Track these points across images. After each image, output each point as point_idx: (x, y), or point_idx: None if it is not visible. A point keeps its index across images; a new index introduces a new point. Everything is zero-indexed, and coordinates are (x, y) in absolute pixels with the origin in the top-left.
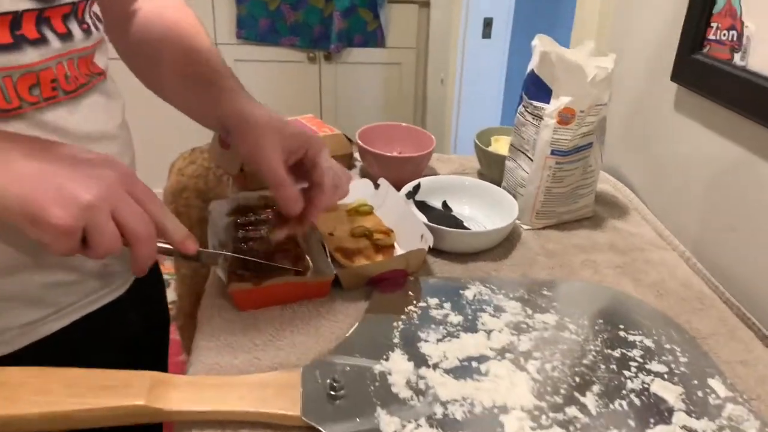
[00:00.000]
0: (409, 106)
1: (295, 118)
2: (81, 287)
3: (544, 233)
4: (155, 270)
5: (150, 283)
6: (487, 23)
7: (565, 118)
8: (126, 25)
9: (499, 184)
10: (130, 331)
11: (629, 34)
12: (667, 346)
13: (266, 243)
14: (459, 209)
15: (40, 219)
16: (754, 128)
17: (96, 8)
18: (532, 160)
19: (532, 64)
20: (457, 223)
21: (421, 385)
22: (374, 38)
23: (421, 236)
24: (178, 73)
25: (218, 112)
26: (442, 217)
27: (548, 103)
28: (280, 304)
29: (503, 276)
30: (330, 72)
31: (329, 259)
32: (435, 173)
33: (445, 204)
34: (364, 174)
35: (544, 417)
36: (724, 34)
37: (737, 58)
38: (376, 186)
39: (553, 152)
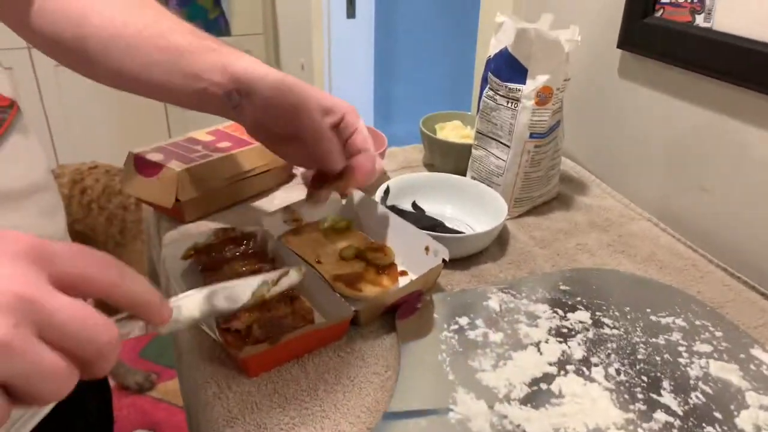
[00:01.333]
0: None
1: (216, 128)
2: None
3: (524, 221)
4: None
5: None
6: (350, 1)
7: (543, 98)
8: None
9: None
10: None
11: (562, 3)
12: (698, 323)
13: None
14: (438, 209)
15: None
16: (721, 88)
17: None
18: (507, 146)
19: (505, 43)
20: (439, 225)
21: (508, 426)
22: (217, 27)
23: (426, 248)
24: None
25: (225, 77)
26: (420, 220)
27: (524, 83)
28: (294, 359)
29: (512, 276)
30: None
31: (338, 294)
32: (383, 171)
33: (415, 205)
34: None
35: (640, 430)
36: None
37: (699, 20)
38: (342, 196)
39: (531, 135)
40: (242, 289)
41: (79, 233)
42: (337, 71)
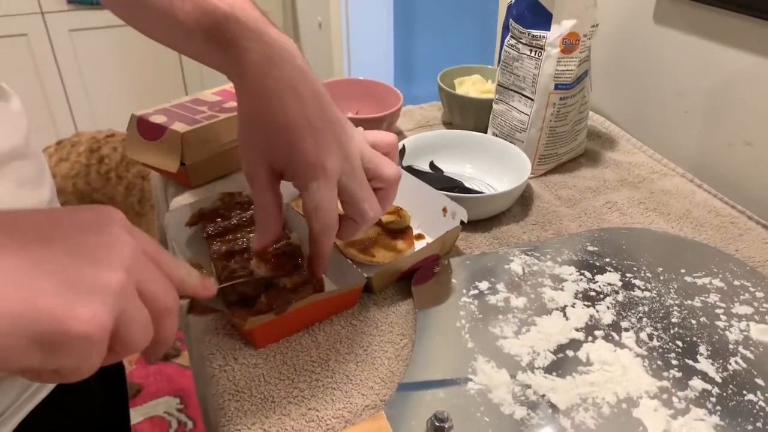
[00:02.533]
0: None
1: (222, 88)
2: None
3: (549, 180)
4: None
5: None
6: None
7: (569, 45)
8: None
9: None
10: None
11: None
12: (737, 283)
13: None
14: (458, 169)
15: (59, 336)
16: (765, 29)
17: None
18: (531, 99)
19: None
20: (458, 186)
21: (532, 396)
22: None
23: (443, 209)
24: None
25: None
26: (438, 180)
27: (548, 30)
28: (304, 329)
29: (536, 238)
30: None
31: (350, 260)
32: (399, 131)
33: (432, 165)
34: None
35: (675, 399)
36: None
37: None
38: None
39: (557, 87)
40: None
41: (98, 203)
42: (356, 29)
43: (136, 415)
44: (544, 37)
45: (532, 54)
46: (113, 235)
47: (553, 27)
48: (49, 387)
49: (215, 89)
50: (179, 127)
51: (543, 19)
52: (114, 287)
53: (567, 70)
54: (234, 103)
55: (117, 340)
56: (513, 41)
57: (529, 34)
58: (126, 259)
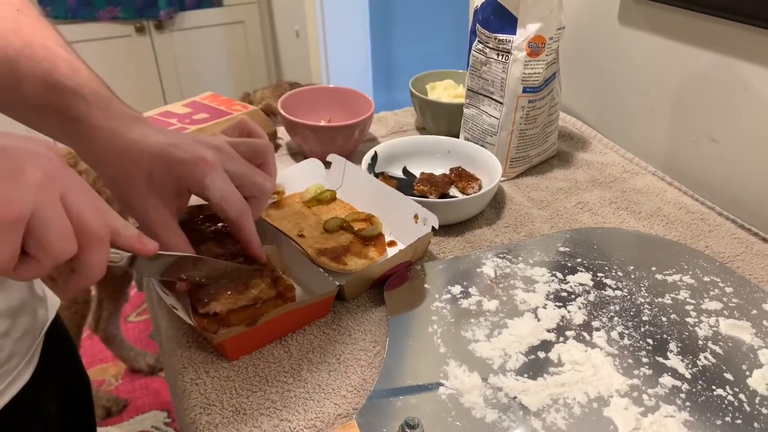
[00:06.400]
0: (261, 67)
1: (192, 100)
2: None
3: (521, 182)
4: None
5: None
6: None
7: (535, 48)
8: None
9: (450, 137)
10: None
11: None
12: (706, 279)
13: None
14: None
15: None
16: (725, 28)
17: None
18: (500, 103)
19: None
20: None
21: (503, 399)
22: None
23: (415, 216)
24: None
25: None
26: (410, 186)
27: (514, 33)
28: (276, 339)
29: (509, 241)
30: (164, 43)
31: (321, 269)
32: (373, 137)
33: (406, 171)
34: (292, 154)
35: (645, 397)
36: None
37: None
38: (326, 165)
39: (525, 90)
40: None
41: None
42: (332, 37)
43: (123, 430)
44: (510, 41)
45: (500, 58)
46: (44, 152)
47: (519, 31)
48: None
49: (185, 101)
50: None
51: (508, 23)
52: (32, 182)
53: (534, 73)
54: (205, 114)
55: (32, 237)
56: (480, 46)
57: (495, 39)
58: (51, 168)
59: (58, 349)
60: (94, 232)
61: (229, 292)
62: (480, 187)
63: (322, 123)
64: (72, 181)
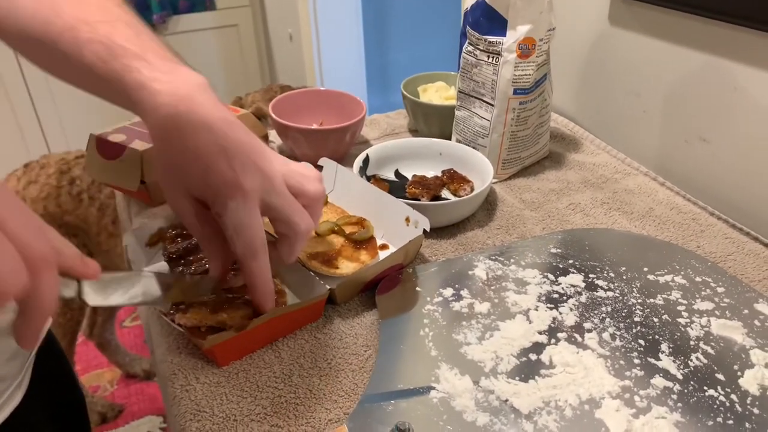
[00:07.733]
0: (255, 71)
1: None
2: None
3: (513, 183)
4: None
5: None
6: None
7: (526, 50)
8: None
9: (442, 139)
10: None
11: None
12: (698, 279)
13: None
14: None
15: None
16: (715, 28)
17: None
18: (491, 105)
19: None
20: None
21: (494, 402)
22: (202, 1)
23: (406, 219)
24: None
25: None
26: (402, 189)
27: (504, 35)
28: (267, 344)
29: (501, 242)
30: None
31: (312, 273)
32: (365, 140)
33: (398, 174)
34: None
35: (637, 398)
36: None
37: None
38: (318, 168)
39: (516, 91)
40: None
41: (71, 225)
42: (326, 40)
43: None
44: (500, 42)
45: (490, 60)
46: None
47: (509, 33)
48: None
49: None
50: (139, 145)
51: (498, 24)
52: None
53: (525, 74)
54: None
55: None
56: (471, 48)
57: (485, 41)
58: None
59: (51, 369)
60: (41, 257)
61: (204, 308)
62: (472, 189)
63: (314, 126)
64: (4, 204)
